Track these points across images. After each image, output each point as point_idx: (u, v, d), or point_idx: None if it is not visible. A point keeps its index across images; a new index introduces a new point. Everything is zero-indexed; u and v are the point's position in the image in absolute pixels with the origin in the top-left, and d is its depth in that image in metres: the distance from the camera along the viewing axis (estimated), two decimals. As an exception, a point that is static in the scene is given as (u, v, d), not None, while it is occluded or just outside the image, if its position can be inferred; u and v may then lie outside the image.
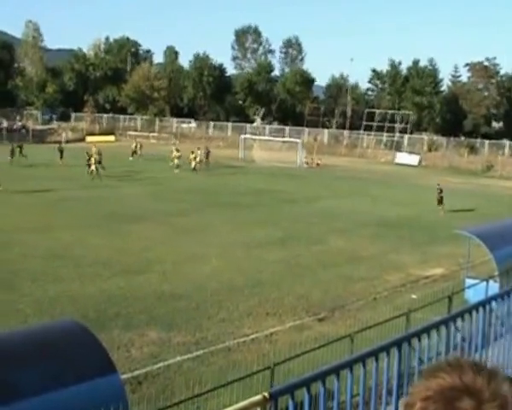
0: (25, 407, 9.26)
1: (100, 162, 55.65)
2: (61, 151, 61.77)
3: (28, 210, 38.98)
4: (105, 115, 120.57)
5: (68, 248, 29.86)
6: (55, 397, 9.56)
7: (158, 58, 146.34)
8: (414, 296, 23.43)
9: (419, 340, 8.31)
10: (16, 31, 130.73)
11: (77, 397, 9.75)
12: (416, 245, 33.62)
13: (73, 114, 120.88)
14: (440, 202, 43.43)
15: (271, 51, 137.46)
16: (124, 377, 14.07)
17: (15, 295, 22.37)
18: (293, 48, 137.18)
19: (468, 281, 23.53)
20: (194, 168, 62.74)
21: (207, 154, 69.01)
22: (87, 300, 21.94)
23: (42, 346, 10.48)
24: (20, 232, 32.51)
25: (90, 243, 31.25)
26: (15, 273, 25.02)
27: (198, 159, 64.42)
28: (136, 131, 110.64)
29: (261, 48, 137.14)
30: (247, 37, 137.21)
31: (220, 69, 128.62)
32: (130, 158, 73.49)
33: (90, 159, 55.32)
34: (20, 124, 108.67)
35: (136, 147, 76.66)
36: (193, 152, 64.04)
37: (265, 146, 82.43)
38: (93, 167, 54.49)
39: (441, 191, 43.67)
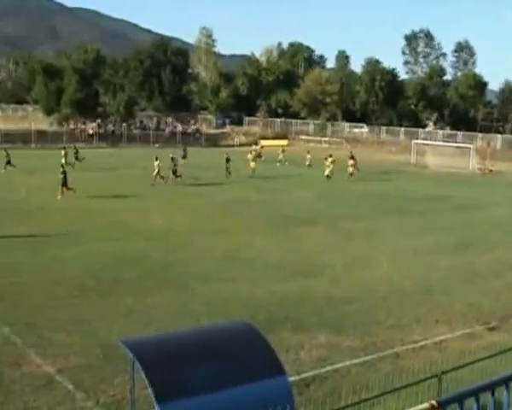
0: (196, 403, 9.52)
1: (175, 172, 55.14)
2: (228, 159, 59.57)
3: (201, 212, 40.25)
4: (277, 120, 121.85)
5: (240, 250, 30.51)
6: (225, 396, 9.74)
7: (330, 63, 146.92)
8: None
9: None
10: (190, 37, 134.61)
11: (245, 397, 9.90)
12: None
13: (246, 119, 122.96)
14: None
15: (443, 55, 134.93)
16: (292, 379, 14.22)
17: (189, 295, 23.12)
18: (464, 51, 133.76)
19: None
20: (351, 174, 61.03)
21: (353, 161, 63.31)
22: (257, 301, 22.33)
23: (214, 345, 10.69)
24: (194, 235, 33.66)
25: (262, 245, 31.88)
26: (189, 274, 25.85)
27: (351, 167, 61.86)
28: (308, 135, 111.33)
29: (433, 52, 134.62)
30: (418, 41, 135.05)
31: (392, 74, 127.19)
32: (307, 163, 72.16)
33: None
34: (194, 128, 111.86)
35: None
36: (351, 158, 62.88)
37: (437, 151, 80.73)
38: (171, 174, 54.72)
39: None
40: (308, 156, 70.83)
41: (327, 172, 59.82)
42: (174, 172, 54.23)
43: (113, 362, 16.22)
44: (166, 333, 14.49)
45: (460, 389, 6.81)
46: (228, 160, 58.39)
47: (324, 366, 17.10)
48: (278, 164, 72.66)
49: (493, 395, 6.48)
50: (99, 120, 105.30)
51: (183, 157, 67.73)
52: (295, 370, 16.32)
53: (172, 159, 55.05)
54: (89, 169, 60.89)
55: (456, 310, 22.22)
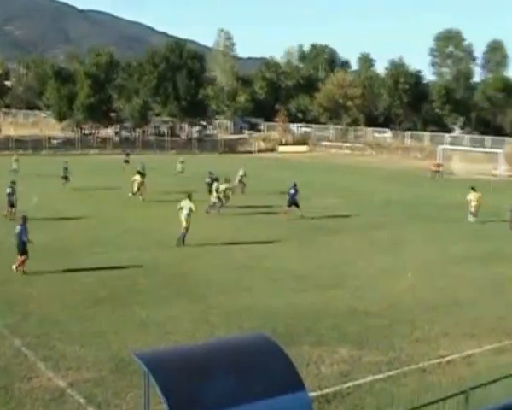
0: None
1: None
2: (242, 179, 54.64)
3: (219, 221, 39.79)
4: (297, 125, 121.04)
5: (259, 259, 30.11)
6: (243, 411, 9.44)
7: (353, 66, 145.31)
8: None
9: None
10: (208, 40, 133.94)
11: (264, 412, 9.62)
12: None
13: (265, 124, 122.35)
14: None
15: (473, 57, 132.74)
16: (312, 394, 13.77)
17: (205, 305, 22.69)
18: (496, 53, 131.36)
19: None
20: None
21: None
22: (277, 313, 21.81)
23: (231, 359, 10.45)
24: (211, 243, 33.15)
25: (284, 254, 31.46)
26: (207, 284, 25.47)
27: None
28: (329, 141, 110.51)
29: (462, 53, 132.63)
30: (447, 42, 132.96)
31: (416, 76, 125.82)
32: None
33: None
34: (207, 132, 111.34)
35: None
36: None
37: (465, 157, 79.86)
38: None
39: None
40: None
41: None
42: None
43: (127, 376, 16.05)
44: (182, 346, 14.23)
45: (487, 407, 6.46)
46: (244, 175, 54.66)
47: (346, 381, 16.59)
48: None
49: None
50: (117, 126, 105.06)
51: (126, 161, 68.04)
52: (316, 385, 15.98)
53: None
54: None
55: (484, 324, 21.56)
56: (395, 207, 48.33)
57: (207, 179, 48.12)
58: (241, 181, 53.47)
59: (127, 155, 70.75)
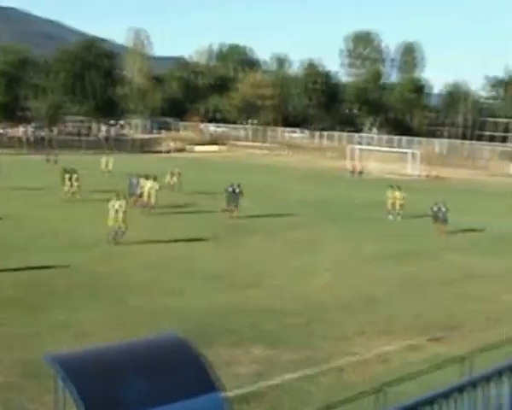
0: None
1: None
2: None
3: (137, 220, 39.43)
4: (212, 125, 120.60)
5: (177, 259, 29.87)
6: (155, 414, 9.29)
7: (269, 66, 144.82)
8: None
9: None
10: (122, 39, 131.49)
11: (177, 415, 9.49)
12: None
13: (178, 124, 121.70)
14: (437, 220, 40.35)
15: (386, 58, 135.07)
16: (229, 395, 13.70)
17: (123, 306, 22.43)
18: (409, 55, 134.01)
19: None
20: None
21: None
22: (195, 314, 21.66)
23: (144, 360, 10.23)
24: (130, 244, 32.71)
25: (201, 254, 31.37)
26: (125, 285, 25.12)
27: None
28: (244, 140, 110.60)
29: (375, 54, 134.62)
30: (361, 43, 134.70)
31: (330, 77, 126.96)
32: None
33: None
34: (121, 132, 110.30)
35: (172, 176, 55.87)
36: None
37: (377, 157, 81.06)
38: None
39: (440, 211, 40.34)
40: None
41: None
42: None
43: (42, 379, 15.45)
44: (96, 347, 13.87)
45: (402, 403, 6.55)
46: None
47: (264, 380, 16.54)
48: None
49: (437, 408, 6.20)
50: (31, 125, 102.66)
51: (52, 161, 68.15)
52: (234, 385, 15.70)
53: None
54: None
55: (399, 321, 21.90)
56: (311, 206, 48.59)
57: (134, 180, 47.66)
58: (173, 180, 54.15)
59: (56, 155, 70.33)
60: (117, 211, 32.94)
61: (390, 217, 44.16)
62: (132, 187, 45.42)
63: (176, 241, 34.00)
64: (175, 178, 54.48)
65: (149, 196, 43.19)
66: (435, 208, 40.59)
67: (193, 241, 34.26)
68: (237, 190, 43.13)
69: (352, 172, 74.71)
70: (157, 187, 43.54)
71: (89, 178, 52.22)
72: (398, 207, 44.64)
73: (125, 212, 33.22)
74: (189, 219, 41.36)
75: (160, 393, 9.64)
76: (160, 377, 9.94)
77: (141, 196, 43.91)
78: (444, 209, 40.04)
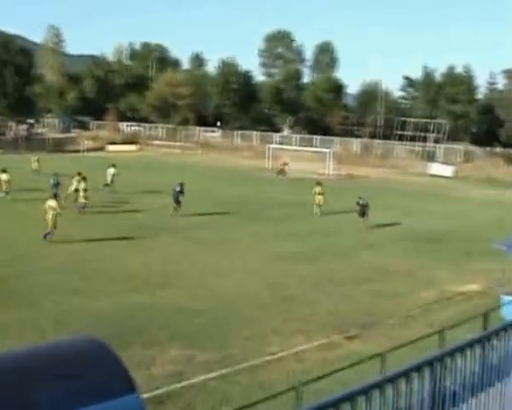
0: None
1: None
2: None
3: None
4: (127, 124, 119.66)
5: (88, 261, 29.30)
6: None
7: (185, 65, 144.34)
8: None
9: (453, 359, 8.17)
10: (36, 36, 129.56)
11: (94, 419, 9.06)
12: (450, 260, 32.63)
13: (94, 123, 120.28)
14: (363, 214, 41.22)
15: (302, 58, 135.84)
16: (145, 396, 13.37)
17: (33, 309, 21.84)
18: (324, 54, 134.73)
19: (504, 298, 22.62)
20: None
21: None
22: (106, 315, 21.28)
23: (57, 363, 9.72)
24: (35, 245, 31.99)
25: (111, 255, 30.91)
26: (35, 287, 24.50)
27: None
28: (159, 140, 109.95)
29: (291, 54, 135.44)
30: (277, 42, 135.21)
31: (247, 76, 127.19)
32: None
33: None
34: (33, 131, 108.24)
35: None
36: None
37: (294, 156, 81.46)
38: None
39: (365, 205, 41.35)
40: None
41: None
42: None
43: None
44: (7, 352, 13.30)
45: (319, 401, 6.50)
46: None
47: (179, 381, 16.31)
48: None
49: (353, 405, 6.20)
50: None
51: None
52: (149, 386, 15.39)
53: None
54: None
55: (314, 319, 21.88)
56: (224, 205, 48.25)
57: (52, 181, 46.64)
58: (112, 181, 53.09)
59: None
60: (46, 211, 32.98)
61: (317, 211, 45.48)
62: (55, 186, 44.77)
63: (89, 241, 33.46)
64: (109, 178, 53.39)
65: (78, 196, 42.98)
66: (361, 202, 41.06)
67: (106, 241, 33.75)
68: (178, 189, 43.63)
69: (280, 172, 74.73)
70: (83, 186, 42.67)
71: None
72: (321, 202, 45.78)
73: (55, 213, 33.14)
74: (106, 220, 40.70)
75: (76, 396, 9.25)
76: (76, 379, 9.53)
77: (68, 196, 43.77)
78: (365, 203, 40.71)
